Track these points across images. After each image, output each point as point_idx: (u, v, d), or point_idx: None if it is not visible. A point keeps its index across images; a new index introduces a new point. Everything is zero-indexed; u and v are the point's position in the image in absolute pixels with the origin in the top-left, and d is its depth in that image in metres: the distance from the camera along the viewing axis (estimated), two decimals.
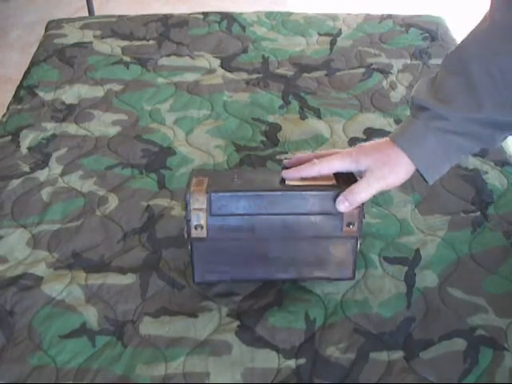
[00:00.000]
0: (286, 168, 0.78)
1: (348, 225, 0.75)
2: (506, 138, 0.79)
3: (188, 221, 0.73)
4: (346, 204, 0.73)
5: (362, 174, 0.75)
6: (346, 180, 0.75)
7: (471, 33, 0.75)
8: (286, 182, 0.75)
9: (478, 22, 0.75)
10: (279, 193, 0.74)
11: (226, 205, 0.73)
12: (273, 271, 0.79)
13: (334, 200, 0.73)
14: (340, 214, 0.74)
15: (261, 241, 0.76)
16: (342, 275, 0.79)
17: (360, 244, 0.78)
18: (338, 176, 0.76)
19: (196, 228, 0.73)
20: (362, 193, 0.73)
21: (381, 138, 0.78)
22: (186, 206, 0.72)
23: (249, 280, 0.80)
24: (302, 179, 0.75)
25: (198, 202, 0.72)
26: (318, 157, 0.78)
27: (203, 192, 0.72)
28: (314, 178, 0.76)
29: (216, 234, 0.74)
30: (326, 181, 0.76)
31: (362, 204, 0.74)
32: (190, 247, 0.76)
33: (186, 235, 0.75)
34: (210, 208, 0.72)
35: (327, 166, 0.75)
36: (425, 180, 0.76)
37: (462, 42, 0.76)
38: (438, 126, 0.73)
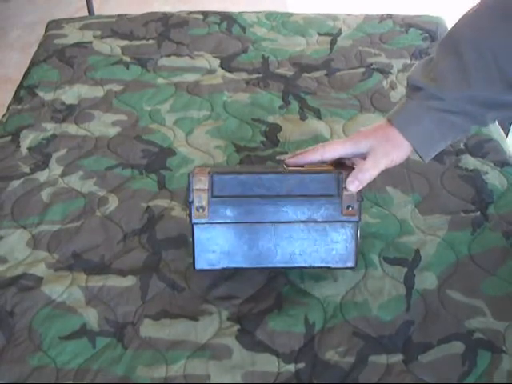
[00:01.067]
0: (287, 165, 0.79)
1: (347, 207, 0.75)
2: (497, 118, 0.81)
3: (190, 202, 0.74)
4: (356, 183, 0.74)
5: (365, 156, 0.76)
6: (344, 167, 0.77)
7: (463, 15, 0.76)
8: (286, 168, 0.77)
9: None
10: (280, 175, 0.76)
11: (227, 186, 0.74)
12: (272, 259, 0.78)
13: (334, 181, 0.75)
14: (339, 197, 0.75)
15: (260, 225, 0.76)
16: (343, 264, 0.78)
17: (359, 239, 0.78)
18: (335, 165, 0.78)
19: (198, 209, 0.74)
20: (370, 170, 0.74)
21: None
22: (188, 186, 0.74)
23: (248, 268, 0.79)
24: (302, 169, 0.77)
25: (201, 182, 0.73)
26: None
27: (206, 173, 0.74)
28: (313, 166, 0.78)
29: (217, 216, 0.75)
30: (325, 167, 0.78)
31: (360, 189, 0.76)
32: (191, 231, 0.76)
33: (188, 218, 0.76)
34: (211, 189, 0.73)
35: (330, 151, 0.77)
36: (421, 157, 0.78)
37: (454, 25, 0.77)
38: (432, 105, 0.75)
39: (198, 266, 0.77)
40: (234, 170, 0.76)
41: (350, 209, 0.75)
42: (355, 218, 0.76)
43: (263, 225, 0.76)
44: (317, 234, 0.77)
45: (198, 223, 0.75)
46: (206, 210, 0.74)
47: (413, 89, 0.78)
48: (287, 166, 0.78)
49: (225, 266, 0.77)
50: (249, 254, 0.77)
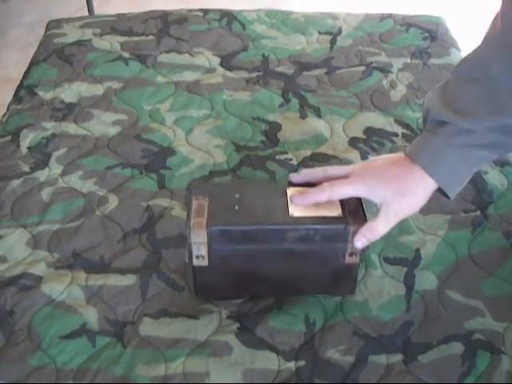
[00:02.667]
0: (292, 184, 0.77)
1: (351, 254, 0.75)
2: None
3: (190, 251, 0.73)
4: (363, 241, 0.72)
5: (378, 205, 0.72)
6: (352, 210, 0.73)
7: (484, 40, 0.73)
8: (290, 213, 0.73)
9: (488, 28, 0.73)
10: (282, 227, 0.72)
11: (226, 239, 0.73)
12: (273, 290, 0.79)
13: (341, 235, 0.72)
14: (344, 246, 0.73)
15: (262, 266, 0.76)
16: (342, 292, 0.80)
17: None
18: (343, 201, 0.74)
19: (198, 257, 0.74)
20: (380, 230, 0.72)
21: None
22: (187, 239, 0.72)
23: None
24: (307, 207, 0.73)
25: (199, 237, 0.71)
26: (327, 176, 0.75)
27: (203, 227, 0.71)
28: (319, 205, 0.73)
29: (217, 262, 0.74)
30: (332, 209, 0.73)
31: None
32: (191, 271, 0.76)
33: (187, 260, 0.75)
34: (210, 242, 0.72)
35: (339, 193, 0.72)
36: (446, 196, 0.73)
37: (475, 50, 0.74)
38: (461, 141, 0.70)
39: (199, 296, 0.79)
40: (233, 221, 0.72)
41: (354, 257, 0.75)
42: (357, 263, 0.76)
43: (263, 267, 0.76)
44: (317, 272, 0.77)
45: (198, 266, 0.75)
46: (206, 258, 0.74)
47: (436, 123, 0.73)
48: (292, 201, 0.74)
49: (225, 298, 0.79)
50: (248, 289, 0.79)
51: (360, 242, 0.72)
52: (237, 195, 0.75)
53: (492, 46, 0.72)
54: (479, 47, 0.73)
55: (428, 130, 0.74)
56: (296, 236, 0.72)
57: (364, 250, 0.76)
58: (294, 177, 0.78)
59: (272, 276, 0.77)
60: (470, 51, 0.76)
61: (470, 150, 0.71)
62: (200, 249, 0.73)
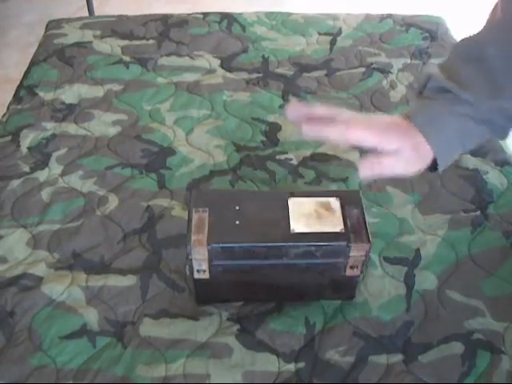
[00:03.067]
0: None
1: (352, 267, 0.74)
2: None
3: (190, 266, 0.73)
4: (368, 173, 0.65)
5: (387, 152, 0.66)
6: (354, 224, 0.73)
7: (484, 26, 0.73)
8: (291, 228, 0.72)
9: (488, 16, 0.74)
10: (283, 244, 0.72)
11: (226, 255, 0.72)
12: (274, 298, 0.79)
13: (341, 251, 0.72)
14: (345, 260, 0.73)
15: (262, 278, 0.76)
16: (343, 297, 0.80)
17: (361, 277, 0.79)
18: (345, 215, 0.74)
19: (198, 271, 0.74)
20: (392, 166, 0.65)
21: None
22: (187, 255, 0.72)
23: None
24: (309, 224, 0.72)
25: (199, 254, 0.71)
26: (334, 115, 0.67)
27: (204, 244, 0.71)
28: (320, 220, 0.72)
29: (218, 275, 0.75)
30: (334, 223, 0.73)
31: (368, 252, 0.73)
32: (193, 282, 0.77)
33: (188, 273, 0.76)
34: (211, 258, 0.72)
35: (353, 134, 0.64)
36: (435, 168, 0.69)
37: (474, 34, 0.73)
38: (461, 111, 0.69)
39: (199, 304, 0.79)
40: (233, 239, 0.72)
41: (355, 270, 0.75)
42: (358, 274, 0.76)
43: (263, 279, 0.77)
44: (318, 283, 0.77)
45: (199, 279, 0.75)
46: (207, 272, 0.74)
47: (437, 90, 0.70)
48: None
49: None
50: (248, 297, 0.79)
51: (365, 170, 0.64)
52: (237, 207, 0.75)
53: (491, 31, 0.72)
54: (479, 32, 0.73)
55: (427, 96, 0.72)
56: (297, 252, 0.72)
57: (365, 264, 0.75)
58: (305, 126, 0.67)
59: (272, 286, 0.78)
60: None
61: (468, 121, 0.69)
62: (201, 264, 0.73)
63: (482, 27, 0.74)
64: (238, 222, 0.73)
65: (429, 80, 0.72)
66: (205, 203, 0.75)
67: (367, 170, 0.65)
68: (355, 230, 0.72)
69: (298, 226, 0.72)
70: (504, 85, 0.69)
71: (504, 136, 0.75)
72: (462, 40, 0.74)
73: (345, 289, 0.79)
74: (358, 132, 0.64)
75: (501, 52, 0.69)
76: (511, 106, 0.70)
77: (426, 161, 0.69)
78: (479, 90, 0.69)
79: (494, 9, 0.73)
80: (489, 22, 0.73)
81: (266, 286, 0.77)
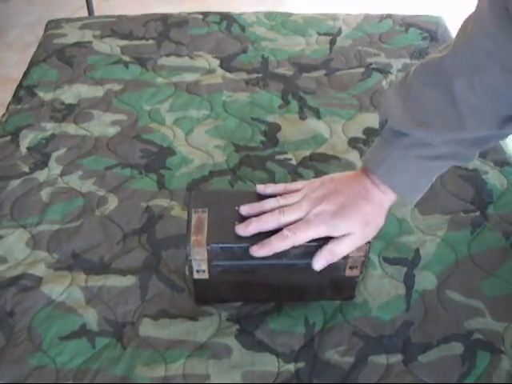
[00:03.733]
0: (259, 196, 0.75)
1: (351, 268, 0.74)
2: (481, 151, 0.75)
3: (190, 266, 0.73)
4: (323, 262, 0.70)
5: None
6: None
7: (452, 47, 0.69)
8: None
9: (457, 34, 0.71)
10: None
11: (226, 256, 0.72)
12: (273, 298, 0.79)
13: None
14: (345, 260, 0.73)
15: (262, 279, 0.76)
16: (342, 297, 0.80)
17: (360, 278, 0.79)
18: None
19: (198, 271, 0.74)
20: (343, 252, 0.70)
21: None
22: (186, 256, 0.72)
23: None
24: None
25: (199, 254, 0.71)
26: (286, 190, 0.75)
27: (203, 245, 0.71)
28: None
29: (218, 275, 0.74)
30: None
31: (368, 251, 0.73)
32: (192, 282, 0.77)
33: (187, 273, 0.75)
34: (210, 259, 0.72)
35: (301, 239, 0.70)
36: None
37: (443, 56, 0.69)
38: (420, 153, 0.70)
39: (199, 304, 0.79)
40: (232, 240, 0.71)
41: (354, 270, 0.75)
42: (357, 275, 0.76)
43: (263, 279, 0.76)
44: (317, 283, 0.77)
45: (199, 279, 0.75)
46: (207, 272, 0.74)
47: (393, 133, 0.71)
48: (253, 256, 0.71)
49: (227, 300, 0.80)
50: (248, 297, 0.79)
51: (319, 263, 0.70)
52: (236, 207, 0.75)
53: (459, 56, 0.68)
54: (447, 54, 0.69)
55: (385, 138, 0.73)
56: (297, 253, 0.72)
57: (365, 264, 0.75)
58: (263, 189, 0.76)
59: (272, 287, 0.78)
60: None
61: (429, 161, 0.70)
62: (200, 264, 0.73)
63: (450, 48, 0.70)
64: (237, 223, 0.73)
65: (385, 120, 0.72)
66: (204, 204, 0.75)
67: (322, 260, 0.70)
68: None
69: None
70: (467, 119, 0.68)
71: (471, 160, 0.75)
72: (430, 61, 0.71)
73: (344, 289, 0.79)
74: (303, 236, 0.69)
75: (468, 84, 0.67)
76: (468, 136, 0.69)
77: (385, 210, 0.72)
78: (438, 124, 0.68)
79: (464, 24, 0.70)
80: (457, 42, 0.70)
81: (266, 286, 0.77)
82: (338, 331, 0.76)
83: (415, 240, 0.88)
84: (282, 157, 1.03)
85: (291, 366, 0.72)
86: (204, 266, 0.73)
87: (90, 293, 0.80)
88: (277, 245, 0.69)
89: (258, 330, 0.76)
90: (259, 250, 0.69)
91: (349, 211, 0.70)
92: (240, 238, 0.72)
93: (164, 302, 0.79)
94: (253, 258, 0.72)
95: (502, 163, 1.01)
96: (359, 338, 0.75)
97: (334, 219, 0.69)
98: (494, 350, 0.74)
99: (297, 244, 0.69)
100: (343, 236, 0.69)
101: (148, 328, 0.76)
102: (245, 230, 0.71)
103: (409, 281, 0.82)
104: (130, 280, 0.82)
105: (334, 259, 0.71)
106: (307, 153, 1.04)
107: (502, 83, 0.66)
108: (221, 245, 0.71)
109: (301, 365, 0.72)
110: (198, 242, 0.71)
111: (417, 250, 0.86)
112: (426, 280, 0.82)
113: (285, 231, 0.69)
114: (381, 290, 0.81)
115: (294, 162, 1.02)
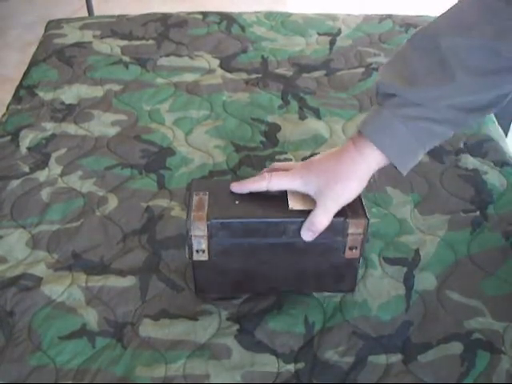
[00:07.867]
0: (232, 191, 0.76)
1: (351, 248, 0.74)
2: (478, 119, 0.75)
3: (190, 245, 0.73)
4: (309, 233, 0.72)
5: (314, 196, 0.72)
6: (351, 204, 0.72)
7: (442, 15, 0.72)
8: (290, 207, 0.73)
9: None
10: (282, 220, 0.73)
11: (226, 232, 0.73)
12: (273, 286, 0.79)
13: (339, 227, 0.72)
14: (344, 239, 0.73)
15: (262, 261, 0.76)
16: (342, 288, 0.80)
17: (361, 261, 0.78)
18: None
19: (198, 252, 0.74)
20: (322, 220, 0.71)
21: None
22: (187, 232, 0.72)
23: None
24: (306, 203, 0.73)
25: (199, 229, 0.71)
26: (272, 168, 0.78)
27: (204, 220, 0.71)
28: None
29: (218, 257, 0.75)
30: None
31: (366, 229, 0.73)
32: (192, 267, 0.77)
33: (187, 256, 0.75)
34: (210, 235, 0.72)
35: (276, 183, 0.73)
36: (398, 170, 0.72)
37: (433, 21, 0.72)
38: (408, 113, 0.68)
39: (199, 293, 0.79)
40: (233, 214, 0.72)
41: (354, 250, 0.75)
42: (357, 258, 0.76)
43: (263, 262, 0.76)
44: (318, 267, 0.77)
45: (198, 260, 0.75)
46: (206, 252, 0.74)
47: (384, 96, 0.71)
48: (232, 191, 0.75)
49: (225, 295, 0.80)
50: (248, 285, 0.79)
51: (306, 234, 0.72)
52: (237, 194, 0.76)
53: (446, 20, 0.71)
54: (436, 20, 0.72)
55: (378, 102, 0.73)
56: (296, 229, 0.72)
57: (364, 245, 0.75)
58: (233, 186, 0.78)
59: (272, 272, 0.77)
60: None
61: (418, 122, 0.69)
62: (200, 243, 0.73)
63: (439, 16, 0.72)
64: (237, 202, 0.74)
65: (378, 86, 0.73)
66: (205, 188, 0.77)
67: (306, 231, 0.72)
68: (352, 206, 0.73)
69: (295, 204, 0.74)
70: (456, 71, 0.67)
71: (467, 127, 0.74)
72: (419, 30, 0.73)
73: (345, 276, 0.78)
74: (278, 181, 0.73)
75: (456, 42, 0.68)
76: (462, 99, 0.69)
77: (365, 173, 0.71)
78: (429, 80, 0.68)
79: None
80: (446, 11, 0.72)
81: (266, 273, 0.77)
82: (338, 331, 0.76)
83: (415, 240, 0.88)
84: (281, 157, 1.03)
85: (291, 367, 0.72)
86: (204, 245, 0.73)
87: (90, 293, 0.80)
88: (253, 184, 0.75)
89: (257, 329, 0.76)
90: (238, 185, 0.75)
91: (322, 168, 0.73)
92: (240, 214, 0.73)
93: (164, 303, 0.79)
94: (253, 235, 0.72)
95: (501, 163, 1.01)
96: (359, 337, 0.75)
97: (308, 173, 0.73)
98: (493, 350, 0.74)
99: (271, 189, 0.73)
100: (315, 206, 0.71)
101: (148, 328, 0.76)
102: (238, 187, 0.76)
103: (408, 281, 0.82)
104: (130, 280, 0.82)
105: (317, 228, 0.71)
106: (307, 153, 1.04)
107: (492, 43, 0.66)
108: (221, 220, 0.72)
109: (300, 365, 0.72)
110: (199, 216, 0.71)
111: (417, 250, 0.86)
112: (425, 280, 0.82)
113: (265, 173, 0.74)
114: (381, 289, 0.81)
115: (293, 161, 1.02)
